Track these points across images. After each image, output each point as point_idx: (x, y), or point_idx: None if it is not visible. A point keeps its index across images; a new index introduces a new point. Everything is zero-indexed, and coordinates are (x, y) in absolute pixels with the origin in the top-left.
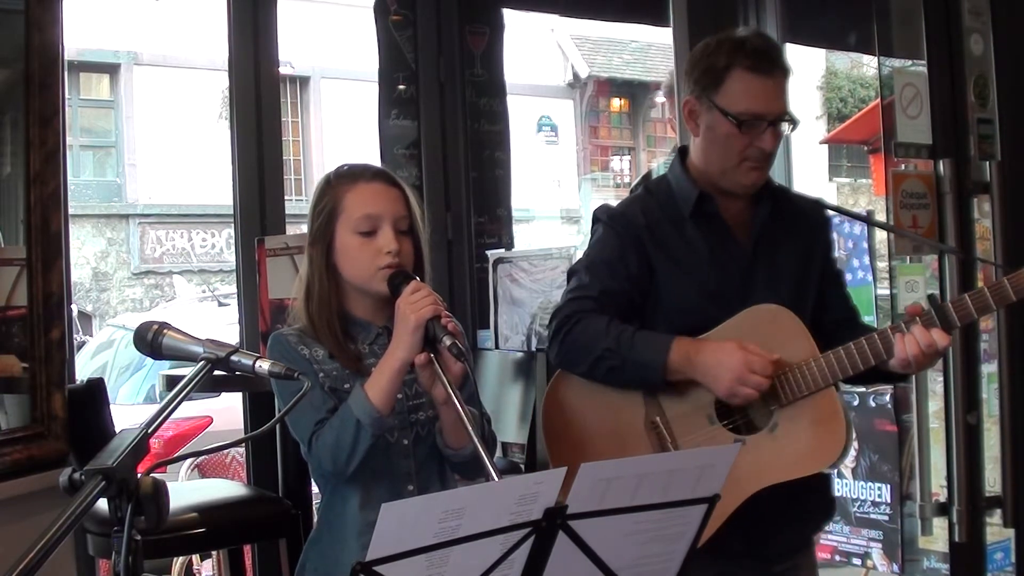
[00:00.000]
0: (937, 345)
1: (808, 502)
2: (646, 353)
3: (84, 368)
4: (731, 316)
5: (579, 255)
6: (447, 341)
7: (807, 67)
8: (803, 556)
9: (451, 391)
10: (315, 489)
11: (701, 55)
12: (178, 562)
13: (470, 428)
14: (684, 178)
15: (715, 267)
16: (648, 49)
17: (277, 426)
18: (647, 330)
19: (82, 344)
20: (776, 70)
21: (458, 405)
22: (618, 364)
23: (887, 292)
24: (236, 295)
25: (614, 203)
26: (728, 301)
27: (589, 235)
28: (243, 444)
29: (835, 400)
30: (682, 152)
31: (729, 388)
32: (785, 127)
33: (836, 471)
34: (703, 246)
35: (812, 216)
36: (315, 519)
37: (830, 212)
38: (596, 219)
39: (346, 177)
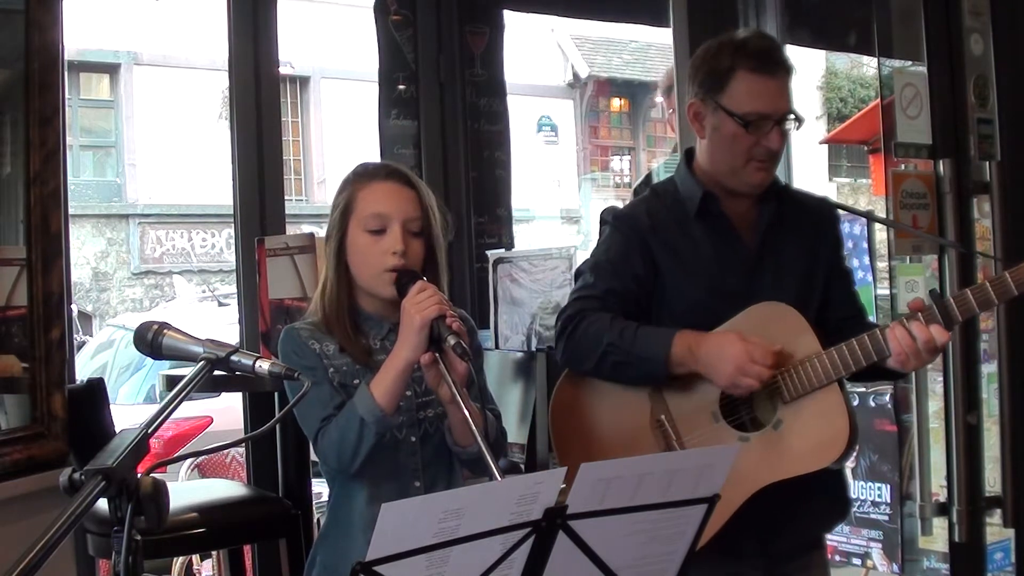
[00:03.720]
0: (936, 341)
1: (821, 501)
2: (649, 347)
3: (84, 368)
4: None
5: (579, 255)
6: (451, 340)
7: (807, 67)
8: (814, 556)
9: (455, 391)
10: (315, 489)
11: (703, 58)
12: (178, 562)
13: (474, 428)
14: (690, 179)
15: (720, 266)
16: (648, 49)
17: (277, 426)
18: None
19: (82, 344)
20: (779, 69)
21: (463, 405)
22: (622, 359)
23: (887, 292)
24: (236, 295)
25: (615, 203)
26: (734, 300)
27: (597, 237)
28: (243, 444)
29: (839, 396)
30: (688, 154)
31: (730, 378)
32: (791, 125)
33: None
34: (708, 245)
35: (818, 214)
36: (315, 519)
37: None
38: (603, 221)
39: (362, 175)
